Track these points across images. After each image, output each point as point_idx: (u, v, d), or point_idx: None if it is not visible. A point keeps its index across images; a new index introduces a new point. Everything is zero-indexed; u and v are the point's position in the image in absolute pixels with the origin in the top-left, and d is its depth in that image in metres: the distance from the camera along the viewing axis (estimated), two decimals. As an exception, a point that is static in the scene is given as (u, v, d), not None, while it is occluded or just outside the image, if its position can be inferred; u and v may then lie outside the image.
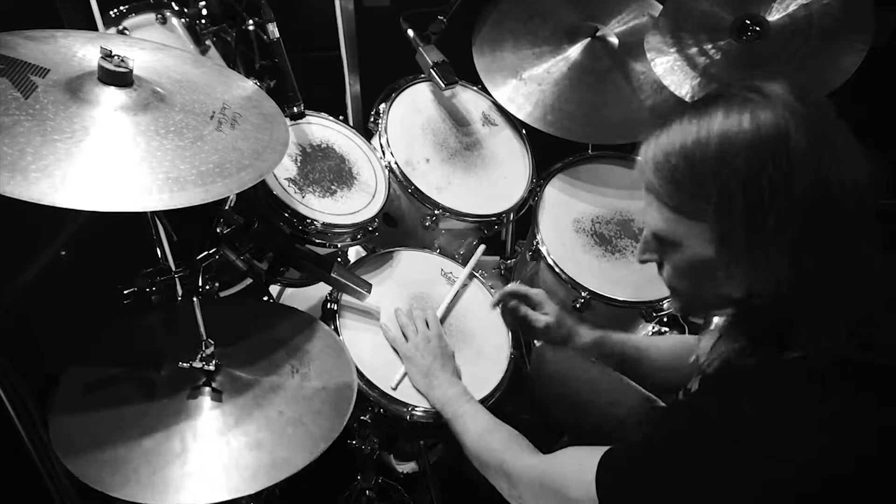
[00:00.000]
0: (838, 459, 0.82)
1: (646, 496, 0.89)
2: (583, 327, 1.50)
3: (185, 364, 1.16)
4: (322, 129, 1.77)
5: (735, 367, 0.96)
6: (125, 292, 1.39)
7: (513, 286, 1.53)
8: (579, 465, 0.98)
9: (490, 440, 1.24)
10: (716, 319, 1.13)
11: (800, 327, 0.86)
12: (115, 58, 1.13)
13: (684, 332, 1.83)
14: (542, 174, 2.01)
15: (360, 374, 1.43)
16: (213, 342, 1.17)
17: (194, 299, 1.18)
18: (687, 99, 1.73)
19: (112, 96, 1.11)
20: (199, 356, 1.16)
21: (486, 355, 1.59)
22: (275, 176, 1.56)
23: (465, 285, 1.73)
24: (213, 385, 1.17)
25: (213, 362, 1.17)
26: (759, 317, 0.90)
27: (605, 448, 0.97)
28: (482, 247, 1.86)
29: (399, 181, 1.81)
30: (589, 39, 2.05)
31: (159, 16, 1.63)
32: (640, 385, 1.46)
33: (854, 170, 0.83)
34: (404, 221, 1.89)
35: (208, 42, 1.73)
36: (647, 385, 1.46)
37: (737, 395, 0.89)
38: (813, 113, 0.83)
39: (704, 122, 0.85)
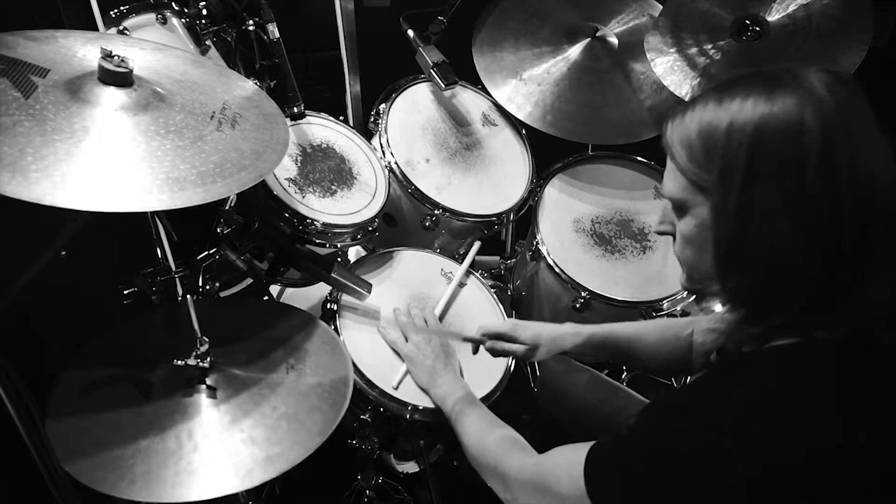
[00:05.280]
0: (829, 447, 0.82)
1: (633, 484, 0.89)
2: (567, 331, 1.44)
3: (180, 362, 1.16)
4: (322, 129, 1.77)
5: (725, 354, 0.98)
6: (125, 292, 1.39)
7: (482, 329, 1.48)
8: (569, 460, 0.98)
9: (487, 441, 1.24)
10: (717, 307, 1.13)
11: (791, 312, 0.87)
12: (116, 58, 1.13)
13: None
14: (542, 174, 2.01)
15: (361, 374, 1.43)
16: (207, 339, 1.18)
17: (188, 297, 1.19)
18: (686, 99, 1.73)
19: (112, 96, 1.11)
20: (194, 354, 1.17)
21: (486, 354, 1.59)
22: (275, 176, 1.56)
23: (463, 284, 1.73)
24: (208, 382, 1.18)
25: (208, 359, 1.17)
26: (749, 296, 0.91)
27: (593, 442, 0.98)
28: (477, 243, 1.86)
29: (399, 181, 1.81)
30: (589, 39, 2.05)
31: (159, 16, 1.62)
32: (635, 368, 1.45)
33: (873, 160, 0.83)
34: (404, 221, 1.89)
35: (208, 42, 1.72)
36: (640, 369, 1.44)
37: (723, 383, 0.91)
38: (834, 102, 0.83)
39: (728, 98, 0.88)
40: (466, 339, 1.51)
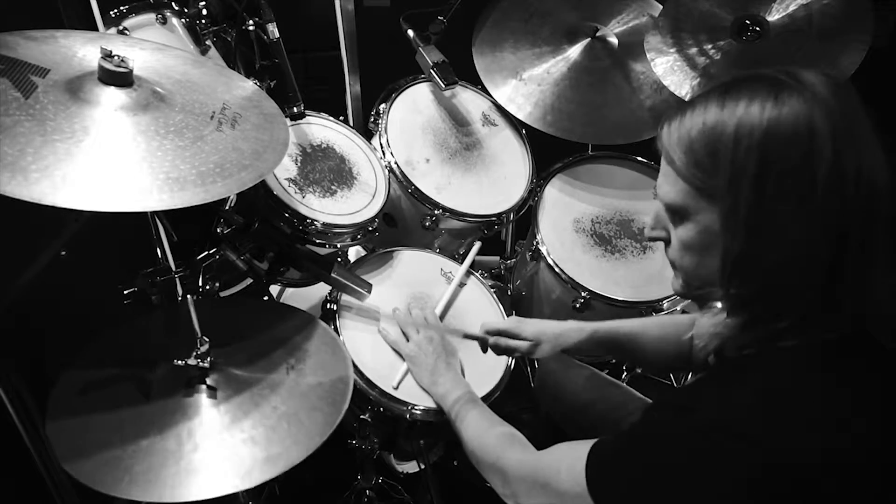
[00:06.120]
0: (831, 447, 0.82)
1: (635, 482, 0.90)
2: (571, 327, 1.44)
3: (180, 362, 1.16)
4: (322, 129, 1.77)
5: (727, 356, 0.97)
6: (125, 292, 1.39)
7: (484, 326, 1.48)
8: (570, 456, 0.99)
9: (487, 438, 1.25)
10: (718, 305, 1.12)
11: (795, 316, 0.87)
12: (116, 58, 1.13)
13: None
14: (542, 174, 2.01)
15: (361, 374, 1.43)
16: (207, 339, 1.18)
17: (188, 297, 1.19)
18: (685, 99, 1.73)
19: (112, 96, 1.11)
20: (194, 354, 1.17)
21: (487, 354, 1.59)
22: (275, 176, 1.56)
23: (463, 284, 1.73)
24: (208, 382, 1.18)
25: (208, 359, 1.17)
26: (755, 302, 0.90)
27: (596, 440, 0.98)
28: (478, 244, 1.86)
29: (399, 181, 1.81)
30: (589, 39, 2.05)
31: (159, 16, 1.62)
32: (636, 366, 1.45)
33: (873, 163, 0.82)
34: (404, 221, 1.89)
35: (208, 42, 1.72)
36: (642, 366, 1.44)
37: (726, 385, 0.91)
38: (839, 106, 0.82)
39: (731, 102, 0.86)
40: (467, 336, 1.51)
